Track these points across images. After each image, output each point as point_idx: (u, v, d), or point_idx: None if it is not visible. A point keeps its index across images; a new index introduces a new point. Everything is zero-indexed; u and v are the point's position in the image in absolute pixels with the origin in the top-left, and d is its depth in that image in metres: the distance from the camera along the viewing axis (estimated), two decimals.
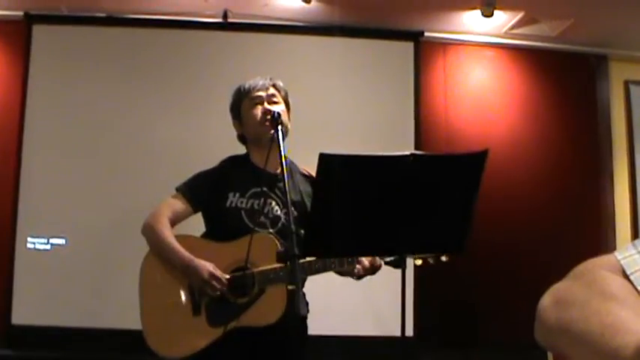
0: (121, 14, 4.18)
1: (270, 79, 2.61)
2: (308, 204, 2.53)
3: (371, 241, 2.10)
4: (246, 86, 2.59)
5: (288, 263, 1.93)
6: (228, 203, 2.50)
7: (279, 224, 2.50)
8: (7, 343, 3.85)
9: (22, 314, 3.88)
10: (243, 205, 2.50)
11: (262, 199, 2.51)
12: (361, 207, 2.03)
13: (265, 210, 2.50)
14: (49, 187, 4.01)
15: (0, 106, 4.13)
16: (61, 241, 3.95)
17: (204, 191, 2.55)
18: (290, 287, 1.80)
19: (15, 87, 4.11)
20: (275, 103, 2.54)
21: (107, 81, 4.12)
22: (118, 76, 4.14)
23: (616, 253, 0.95)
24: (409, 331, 3.42)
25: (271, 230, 2.48)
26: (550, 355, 1.06)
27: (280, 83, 2.63)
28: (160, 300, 2.46)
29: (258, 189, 2.53)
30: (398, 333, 2.20)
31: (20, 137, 4.05)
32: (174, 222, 2.53)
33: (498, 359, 4.05)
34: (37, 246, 3.94)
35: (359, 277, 2.46)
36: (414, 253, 2.32)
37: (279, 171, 2.53)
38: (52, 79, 4.11)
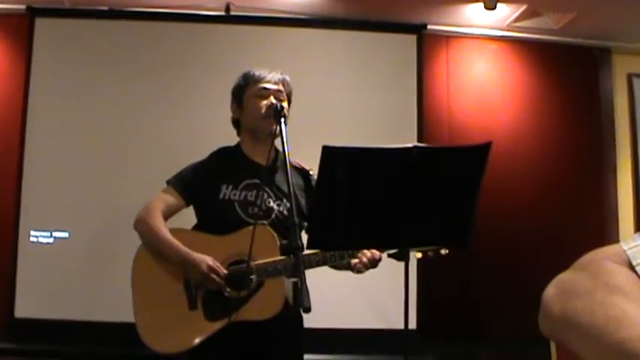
0: (123, 7, 4.18)
1: (281, 74, 2.60)
2: (300, 196, 2.53)
3: (374, 234, 2.10)
4: (256, 74, 2.57)
5: (292, 256, 1.93)
6: (221, 195, 2.48)
7: (273, 216, 2.49)
8: (10, 336, 3.85)
9: (25, 308, 3.89)
10: (237, 197, 2.48)
11: (255, 191, 2.49)
12: (364, 199, 2.03)
13: (258, 202, 2.48)
14: (52, 180, 4.01)
15: (2, 99, 4.13)
16: (64, 235, 3.95)
17: (196, 184, 2.53)
18: (293, 280, 1.80)
19: (17, 80, 4.11)
20: (280, 99, 2.53)
21: (110, 75, 4.11)
22: (120, 70, 4.13)
23: (622, 244, 0.95)
24: (412, 324, 3.44)
25: (265, 222, 2.46)
26: (553, 347, 1.05)
27: (288, 80, 2.62)
28: (153, 295, 2.44)
29: (251, 181, 2.52)
30: (401, 326, 2.21)
31: (23, 131, 4.04)
32: (166, 216, 2.51)
33: (501, 353, 4.06)
34: (40, 239, 3.94)
35: (359, 271, 2.46)
36: (418, 247, 2.32)
37: (271, 162, 2.53)
38: (55, 73, 4.11)
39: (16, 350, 3.83)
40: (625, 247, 0.94)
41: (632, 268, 0.91)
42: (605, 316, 0.85)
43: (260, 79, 2.55)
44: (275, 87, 2.55)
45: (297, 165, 2.60)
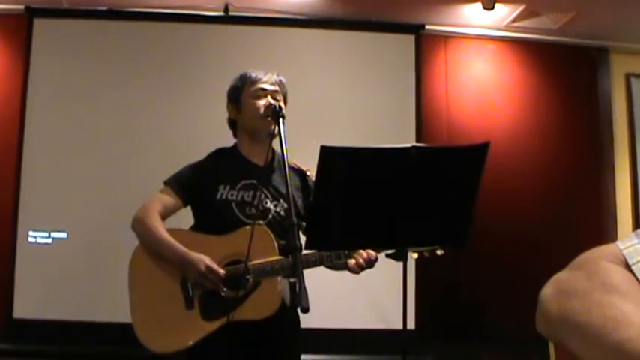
0: (122, 8, 4.18)
1: (277, 74, 2.61)
2: (297, 197, 2.53)
3: (373, 234, 2.10)
4: (253, 75, 2.58)
5: (289, 256, 1.93)
6: (218, 196, 2.48)
7: (269, 216, 2.50)
8: (8, 336, 3.85)
9: (24, 308, 3.89)
10: (234, 198, 2.49)
11: (252, 192, 2.50)
12: (363, 200, 2.02)
13: (255, 202, 2.48)
14: (50, 180, 4.00)
15: (1, 100, 4.13)
16: (63, 235, 3.95)
17: (193, 184, 2.53)
18: (291, 280, 1.79)
19: (16, 81, 4.11)
20: (276, 100, 2.53)
21: (108, 75, 4.11)
22: (118, 70, 4.13)
23: (618, 243, 0.95)
24: (411, 324, 3.43)
25: (261, 222, 2.46)
26: (551, 346, 1.05)
27: (284, 81, 2.63)
28: (150, 294, 2.44)
29: (248, 181, 2.52)
30: (399, 326, 2.21)
31: (21, 131, 4.04)
32: (164, 216, 2.51)
33: (500, 352, 4.05)
34: (39, 240, 3.94)
35: (354, 271, 2.46)
36: (416, 247, 2.32)
37: (268, 163, 2.54)
38: (53, 73, 4.11)
39: (14, 351, 3.83)
40: (621, 247, 0.94)
41: (628, 267, 0.91)
42: (603, 316, 0.85)
43: (257, 80, 2.56)
44: (272, 88, 2.56)
45: (294, 166, 2.60)
